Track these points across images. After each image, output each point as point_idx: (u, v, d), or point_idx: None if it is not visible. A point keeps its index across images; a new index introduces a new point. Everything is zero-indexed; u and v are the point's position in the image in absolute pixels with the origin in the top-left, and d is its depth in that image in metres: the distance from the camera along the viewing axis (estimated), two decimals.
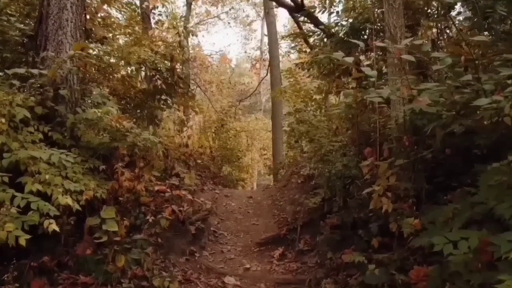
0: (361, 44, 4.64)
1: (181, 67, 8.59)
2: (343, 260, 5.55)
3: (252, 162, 21.34)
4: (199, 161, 11.36)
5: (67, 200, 5.14)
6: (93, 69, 8.40)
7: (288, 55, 22.77)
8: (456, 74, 4.01)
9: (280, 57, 20.41)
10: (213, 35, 45.73)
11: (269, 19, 18.97)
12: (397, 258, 5.18)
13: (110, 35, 8.75)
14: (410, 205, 5.61)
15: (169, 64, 7.96)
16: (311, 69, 9.89)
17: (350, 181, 6.55)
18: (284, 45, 26.19)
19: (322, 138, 7.28)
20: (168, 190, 6.78)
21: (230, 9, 25.88)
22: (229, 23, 28.34)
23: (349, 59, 3.69)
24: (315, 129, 11.13)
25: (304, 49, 11.72)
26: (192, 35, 9.27)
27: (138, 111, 8.95)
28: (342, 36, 9.00)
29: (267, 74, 20.71)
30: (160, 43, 8.96)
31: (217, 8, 25.60)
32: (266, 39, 29.75)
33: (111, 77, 9.12)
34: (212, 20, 27.30)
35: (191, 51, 20.13)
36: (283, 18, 34.13)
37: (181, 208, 6.68)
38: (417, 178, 5.87)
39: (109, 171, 6.32)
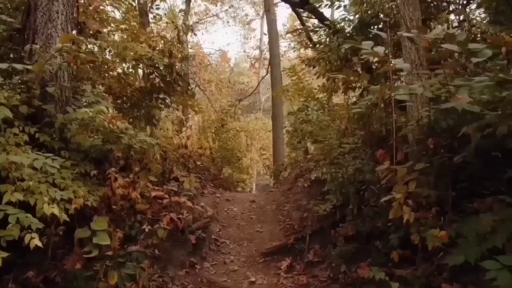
0: (384, 35, 4.08)
1: (180, 64, 7.98)
2: (359, 274, 4.98)
3: (252, 162, 20.74)
4: (198, 162, 10.76)
5: (53, 210, 4.55)
6: (86, 66, 7.81)
7: (291, 53, 22.17)
8: (498, 68, 3.43)
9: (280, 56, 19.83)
10: (212, 34, 45.03)
11: (270, 17, 18.39)
12: (421, 275, 4.62)
13: (105, 30, 8.13)
14: (433, 214, 5.06)
15: (167, 61, 7.35)
16: (317, 66, 9.30)
17: (364, 186, 5.98)
18: (284, 44, 25.69)
19: (332, 140, 6.69)
20: (166, 196, 6.19)
21: (230, 7, 25.22)
22: (228, 22, 27.73)
23: (380, 49, 3.11)
24: (320, 130, 10.60)
25: (308, 45, 11.12)
26: (192, 30, 8.67)
27: (135, 110, 8.35)
28: (351, 31, 8.41)
29: (267, 73, 20.12)
30: (158, 38, 8.35)
31: (216, 6, 24.97)
32: (265, 38, 29.18)
33: (106, 74, 8.53)
34: (211, 19, 26.70)
35: (190, 50, 19.55)
36: (282, 17, 33.69)
37: (180, 216, 6.09)
38: (440, 184, 5.31)
39: (102, 176, 5.72)
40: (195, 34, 24.05)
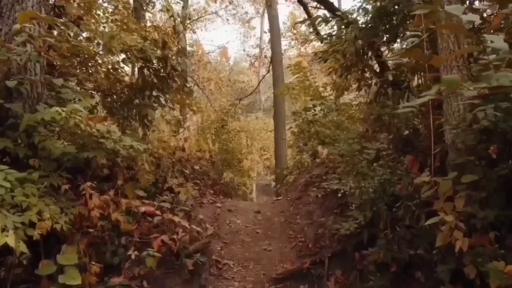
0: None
1: (176, 57, 6.83)
2: None
3: (252, 163, 19.57)
4: (197, 167, 9.61)
5: (7, 239, 3.42)
6: (73, 60, 6.69)
7: (291, 51, 21.03)
8: None
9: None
10: (211, 32, 43.59)
11: (271, 12, 17.23)
12: None
13: (93, 21, 6.97)
14: (491, 240, 3.95)
15: (160, 53, 6.21)
16: (328, 61, 8.17)
17: (394, 200, 4.86)
18: (284, 43, 24.51)
19: (354, 144, 5.55)
20: (158, 212, 5.04)
21: (230, 3, 24.02)
22: (227, 19, 26.52)
23: (475, 17, 2.00)
24: (330, 131, 9.49)
25: (319, 38, 9.92)
26: (189, 19, 7.53)
27: (126, 110, 7.20)
28: (368, 21, 7.27)
29: (268, 71, 18.95)
30: (151, 29, 7.20)
31: (215, 3, 23.75)
32: (265, 37, 28.06)
33: (93, 69, 7.40)
34: (210, 16, 25.48)
35: (189, 48, 18.38)
36: (282, 16, 32.43)
37: (175, 236, 4.95)
38: (495, 201, 4.21)
39: (79, 190, 4.59)
40: (194, 32, 22.96)
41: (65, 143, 4.35)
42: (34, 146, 4.43)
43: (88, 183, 4.34)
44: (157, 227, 5.00)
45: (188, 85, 6.71)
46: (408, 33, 6.76)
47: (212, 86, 19.96)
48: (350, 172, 5.47)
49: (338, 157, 5.68)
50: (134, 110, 7.02)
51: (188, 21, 9.72)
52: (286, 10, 39.76)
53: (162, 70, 6.44)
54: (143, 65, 6.55)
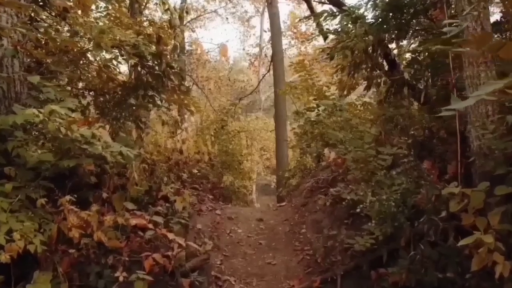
0: None
1: (172, 54, 6.24)
2: None
3: (252, 164, 18.94)
4: (195, 170, 9.02)
5: None
6: (63, 57, 6.10)
7: (291, 50, 20.42)
8: None
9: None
10: (211, 30, 42.74)
11: (272, 10, 16.60)
12: None
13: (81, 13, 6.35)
14: None
15: (154, 48, 5.61)
16: (334, 58, 7.59)
17: (416, 213, 4.28)
18: (284, 42, 23.89)
19: (370, 150, 4.95)
20: (151, 226, 4.45)
21: (229, 1, 23.39)
22: (227, 18, 25.88)
23: None
24: (339, 132, 8.93)
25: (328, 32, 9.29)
26: (187, 13, 6.95)
27: (119, 111, 6.61)
28: (379, 15, 6.67)
29: (269, 70, 18.36)
30: (145, 24, 6.60)
31: (215, 1, 23.11)
32: (265, 36, 27.41)
33: (85, 67, 6.82)
34: (209, 15, 24.85)
35: (188, 47, 17.76)
36: (282, 15, 31.80)
37: (170, 253, 4.35)
38: None
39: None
40: (193, 31, 22.34)
41: (40, 151, 3.74)
42: (7, 153, 3.84)
43: (67, 197, 3.74)
44: (149, 243, 4.40)
45: (185, 84, 6.10)
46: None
47: (211, 86, 19.34)
48: (364, 180, 4.88)
49: (350, 163, 5.08)
50: (128, 111, 6.43)
51: (185, 15, 9.08)
52: (286, 9, 39.00)
53: (157, 68, 5.84)
54: (137, 62, 5.95)
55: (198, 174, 9.00)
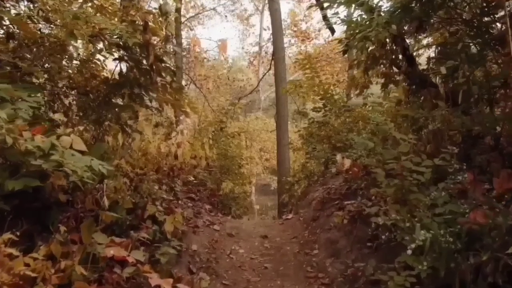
0: None
1: (162, 45, 5.21)
2: None
3: (251, 165, 17.91)
4: (191, 178, 8.00)
5: None
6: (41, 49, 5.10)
7: (292, 48, 19.36)
8: None
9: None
10: (209, 28, 41.47)
11: (273, 6, 15.51)
12: None
13: None
14: None
15: (140, 38, 4.59)
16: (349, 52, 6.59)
17: (469, 242, 3.27)
18: (284, 40, 22.86)
19: (407, 162, 3.91)
20: (132, 259, 3.42)
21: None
22: (226, 16, 24.84)
23: None
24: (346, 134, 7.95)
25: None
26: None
27: (102, 112, 5.58)
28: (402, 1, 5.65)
29: (270, 68, 17.34)
30: (132, 11, 5.54)
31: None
32: (265, 34, 26.39)
33: (66, 62, 5.81)
34: (208, 12, 23.80)
35: (185, 45, 16.68)
36: (282, 14, 30.80)
37: None
38: None
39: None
40: (192, 29, 21.26)
41: None
42: None
43: (6, 235, 2.70)
44: (128, 282, 3.38)
45: (178, 81, 5.06)
46: None
47: (210, 85, 18.28)
48: (397, 199, 3.86)
49: (382, 178, 4.04)
50: (111, 113, 5.40)
51: (181, 5, 8.08)
52: (286, 7, 37.88)
53: (144, 61, 4.80)
54: (121, 55, 4.93)
55: (194, 181, 7.98)
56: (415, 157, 4.05)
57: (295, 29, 24.71)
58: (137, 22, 4.74)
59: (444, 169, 4.04)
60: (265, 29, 25.86)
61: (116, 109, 5.17)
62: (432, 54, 6.75)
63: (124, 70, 5.46)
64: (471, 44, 5.18)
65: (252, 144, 20.44)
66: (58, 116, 6.72)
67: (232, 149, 10.85)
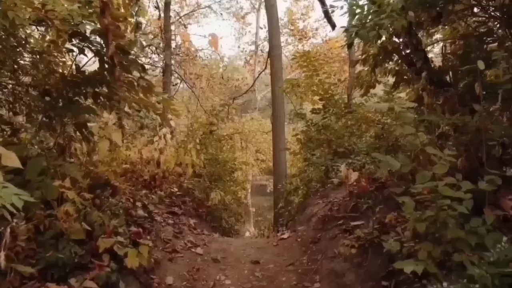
0: None
1: (130, 33, 4.19)
2: None
3: (247, 168, 16.83)
4: (175, 189, 6.98)
5: None
6: None
7: (289, 47, 18.33)
8: None
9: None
10: (204, 26, 40.17)
11: (270, 2, 14.52)
12: None
13: None
14: None
15: (97, 23, 3.57)
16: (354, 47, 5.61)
17: None
18: (280, 39, 21.84)
19: (445, 188, 2.89)
20: None
21: None
22: (221, 14, 23.78)
23: None
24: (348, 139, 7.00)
25: None
26: None
27: (59, 114, 4.56)
28: None
29: (266, 67, 16.34)
30: None
31: None
32: (261, 33, 25.32)
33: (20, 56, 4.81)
34: (203, 10, 22.72)
35: (178, 42, 15.62)
36: (279, 12, 29.78)
37: None
38: None
39: None
40: (186, 26, 20.18)
41: None
42: None
43: None
44: None
45: (144, 76, 4.03)
46: None
47: (203, 84, 17.20)
48: (426, 234, 2.86)
49: (410, 211, 3.01)
50: (69, 115, 4.38)
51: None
52: (283, 5, 36.84)
53: (103, 52, 3.78)
54: (76, 44, 3.91)
55: (178, 193, 6.96)
56: (448, 177, 3.03)
57: (292, 27, 23.74)
58: (93, 3, 3.70)
59: (483, 193, 3.04)
60: (261, 28, 24.83)
61: (75, 110, 4.12)
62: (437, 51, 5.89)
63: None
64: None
65: (247, 146, 19.43)
66: (18, 119, 5.67)
67: (223, 154, 9.82)
